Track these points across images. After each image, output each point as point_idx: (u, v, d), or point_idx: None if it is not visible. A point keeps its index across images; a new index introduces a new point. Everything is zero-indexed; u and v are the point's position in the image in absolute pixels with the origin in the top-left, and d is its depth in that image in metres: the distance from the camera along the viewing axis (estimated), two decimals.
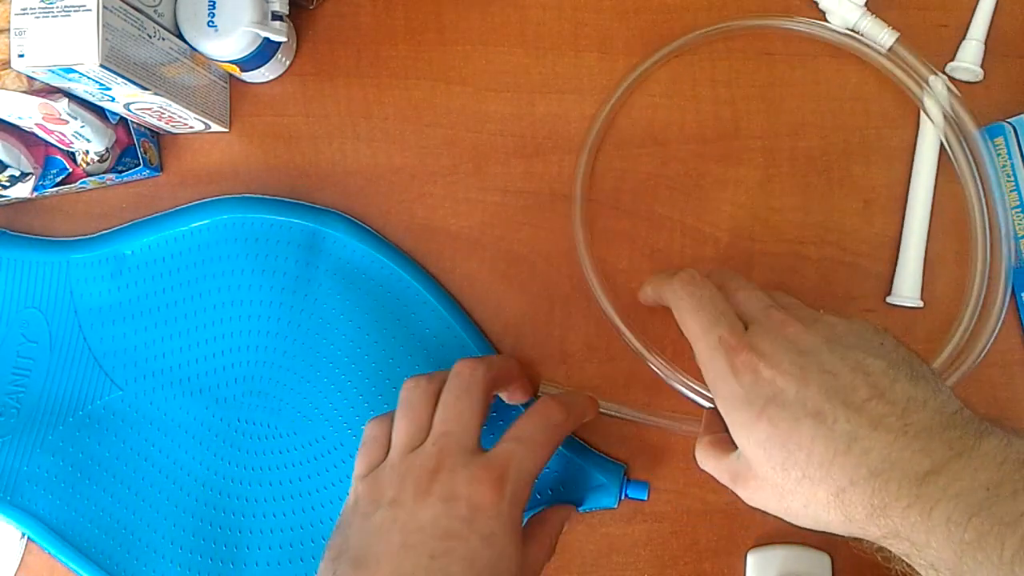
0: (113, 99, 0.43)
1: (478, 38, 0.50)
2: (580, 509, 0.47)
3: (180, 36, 0.44)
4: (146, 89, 0.42)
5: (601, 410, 0.46)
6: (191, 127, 0.49)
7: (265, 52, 0.47)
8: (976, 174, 0.47)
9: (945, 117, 0.47)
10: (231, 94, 0.51)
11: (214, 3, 0.44)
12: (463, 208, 0.50)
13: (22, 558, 0.49)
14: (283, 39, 0.46)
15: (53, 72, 0.39)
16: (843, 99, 0.50)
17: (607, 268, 0.49)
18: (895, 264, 0.49)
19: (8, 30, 0.38)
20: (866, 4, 0.48)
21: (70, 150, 0.47)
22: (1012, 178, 0.47)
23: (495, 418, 0.46)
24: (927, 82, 0.47)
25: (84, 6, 0.38)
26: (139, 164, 0.48)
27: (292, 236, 0.49)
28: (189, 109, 0.46)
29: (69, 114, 0.42)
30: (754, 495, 0.36)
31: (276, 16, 0.45)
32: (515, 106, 0.50)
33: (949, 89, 0.47)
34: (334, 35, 0.51)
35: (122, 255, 0.49)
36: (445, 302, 0.48)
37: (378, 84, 0.51)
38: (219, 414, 0.48)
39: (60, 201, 0.50)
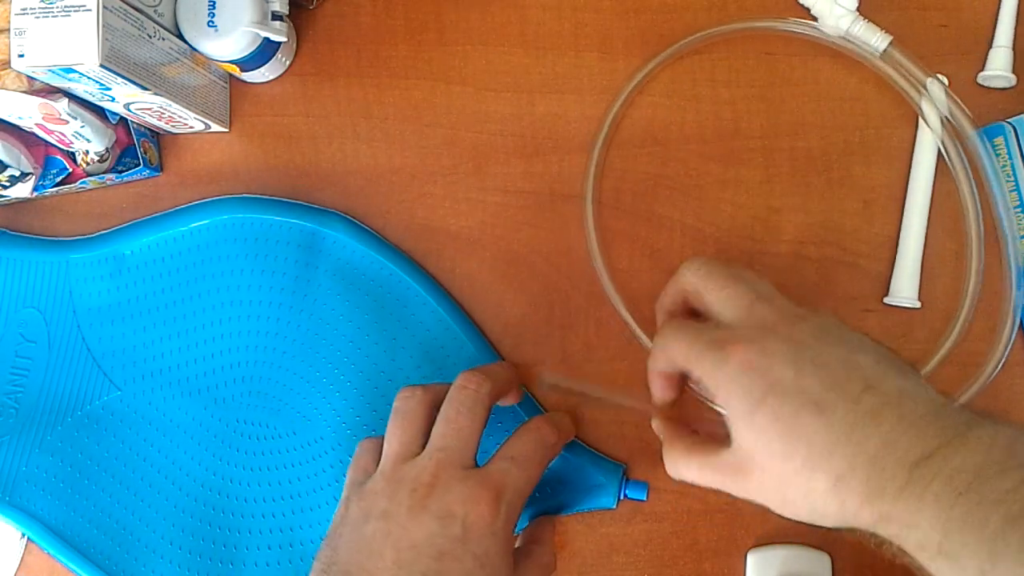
0: (113, 99, 0.43)
1: (478, 38, 0.50)
2: (578, 509, 0.47)
3: (180, 36, 0.44)
4: (146, 89, 0.42)
5: (549, 380, 0.47)
6: (191, 127, 0.49)
7: (265, 52, 0.47)
8: (971, 177, 0.47)
9: (942, 120, 0.47)
10: (231, 94, 0.51)
11: (214, 3, 0.44)
12: (463, 208, 0.50)
13: (22, 558, 0.49)
14: (283, 39, 0.46)
15: (53, 72, 0.39)
16: (843, 99, 0.50)
17: (607, 268, 0.49)
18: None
19: (8, 30, 0.38)
20: (859, 7, 0.48)
21: (70, 150, 0.47)
22: (1012, 178, 0.47)
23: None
24: (924, 86, 0.47)
25: (84, 6, 0.38)
26: (139, 164, 0.48)
27: (291, 236, 0.49)
28: (189, 109, 0.46)
29: (69, 114, 0.42)
30: (751, 487, 0.35)
31: (276, 16, 0.45)
32: (515, 106, 0.50)
33: (947, 92, 0.47)
34: (334, 35, 0.51)
35: (121, 255, 0.49)
36: (444, 303, 0.48)
37: (378, 84, 0.51)
38: (218, 414, 0.48)
39: (60, 201, 0.50)
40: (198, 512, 0.48)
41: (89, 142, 0.45)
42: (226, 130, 0.50)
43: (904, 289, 0.48)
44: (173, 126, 0.49)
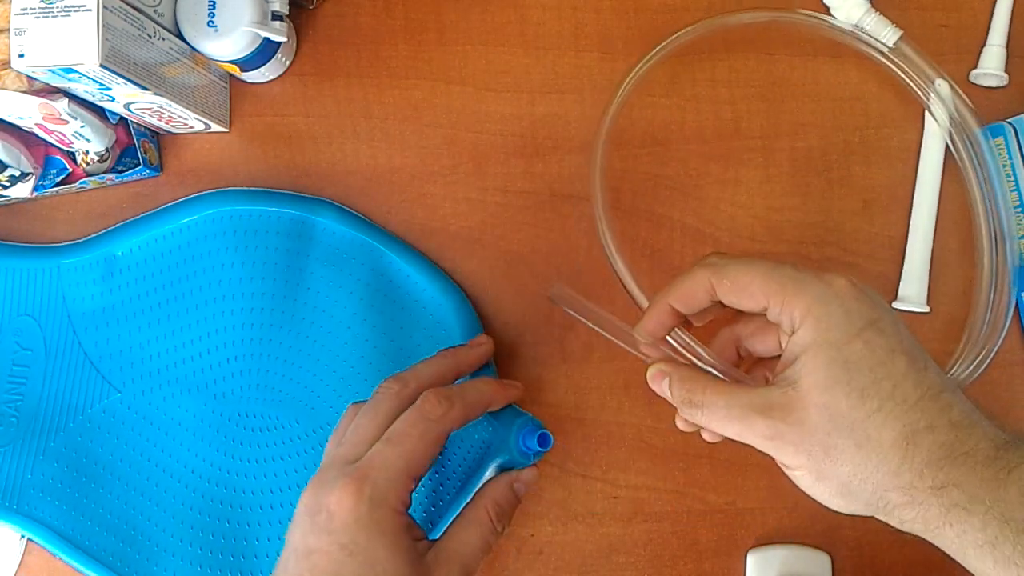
0: (113, 99, 0.43)
1: (478, 38, 0.50)
2: (490, 464, 0.44)
3: (180, 36, 0.44)
4: (146, 89, 0.42)
5: (555, 302, 0.43)
6: (191, 127, 0.49)
7: (265, 52, 0.47)
8: (982, 178, 0.47)
9: (951, 120, 0.47)
10: (231, 94, 0.51)
11: (214, 3, 0.44)
12: (463, 208, 0.50)
13: (22, 558, 0.49)
14: (283, 39, 0.46)
15: (53, 72, 0.39)
16: (843, 99, 0.50)
17: (607, 268, 0.49)
18: (896, 264, 0.49)
19: (8, 30, 0.38)
20: (871, 1, 0.47)
21: (70, 150, 0.47)
22: (1012, 178, 0.47)
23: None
24: (933, 84, 0.47)
25: (84, 6, 0.38)
26: (139, 164, 0.48)
27: (280, 226, 0.49)
28: (189, 109, 0.46)
29: (69, 114, 0.42)
30: (790, 431, 0.32)
31: (276, 16, 0.45)
32: (515, 106, 0.50)
33: (955, 91, 0.47)
34: (334, 35, 0.51)
35: (112, 257, 0.49)
36: (438, 280, 0.48)
37: (378, 84, 0.51)
38: (219, 409, 0.48)
39: (60, 201, 0.50)
40: (207, 508, 0.48)
41: (89, 142, 0.45)
42: (226, 130, 0.50)
43: (913, 295, 0.48)
44: (173, 126, 0.49)
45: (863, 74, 0.49)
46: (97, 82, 0.40)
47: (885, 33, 0.47)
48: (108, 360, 0.49)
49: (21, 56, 0.38)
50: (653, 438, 0.48)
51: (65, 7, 0.38)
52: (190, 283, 0.49)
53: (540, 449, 0.43)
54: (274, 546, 0.47)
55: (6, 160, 0.44)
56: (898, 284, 0.48)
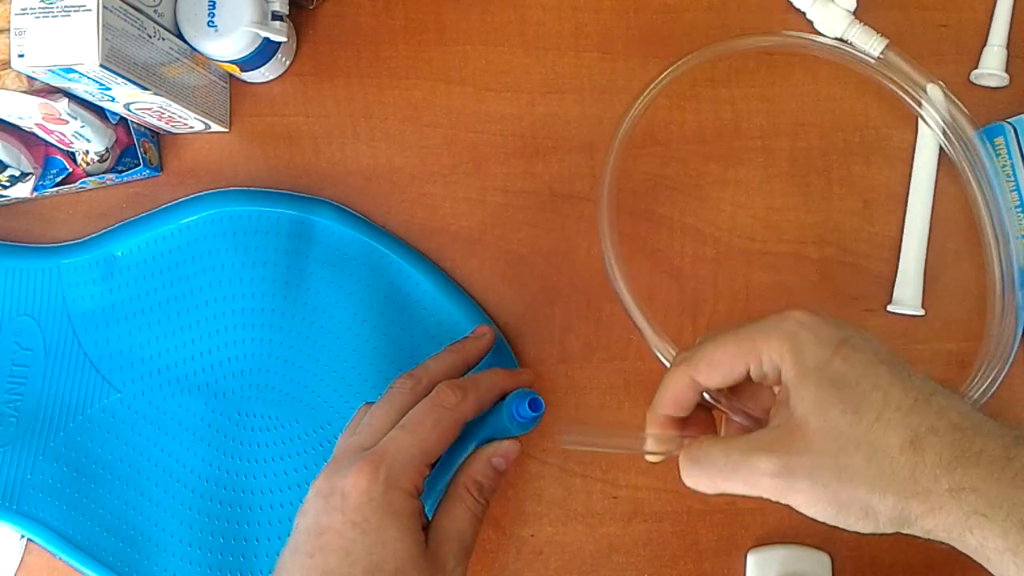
0: (113, 99, 0.43)
1: (478, 38, 0.50)
2: (483, 437, 0.43)
3: (180, 36, 0.44)
4: (146, 89, 0.42)
5: (567, 446, 0.44)
6: (191, 127, 0.49)
7: (265, 52, 0.47)
8: (981, 180, 0.47)
9: (944, 123, 0.47)
10: (231, 94, 0.51)
11: (214, 3, 0.44)
12: (463, 208, 0.50)
13: (22, 558, 0.49)
14: (283, 39, 0.46)
15: (53, 72, 0.39)
16: (843, 99, 0.50)
17: (623, 276, 0.48)
18: (896, 265, 0.48)
19: (8, 30, 0.38)
20: (856, 8, 0.47)
21: (70, 150, 0.47)
22: (1012, 178, 0.47)
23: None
24: (924, 90, 0.47)
25: (84, 6, 0.38)
26: (139, 164, 0.48)
27: (280, 227, 0.49)
28: (189, 109, 0.46)
29: (69, 114, 0.42)
30: (798, 461, 0.32)
31: (276, 16, 0.45)
32: (515, 106, 0.50)
33: (946, 95, 0.47)
34: (334, 35, 0.51)
35: (112, 257, 0.49)
36: (437, 279, 0.49)
37: (378, 84, 0.51)
38: (219, 409, 0.48)
39: (60, 201, 0.50)
40: (207, 508, 0.48)
41: (89, 142, 0.45)
42: (226, 130, 0.50)
43: (907, 297, 0.48)
44: (173, 126, 0.49)
45: (863, 74, 0.49)
46: (97, 82, 0.40)
47: (871, 43, 0.47)
48: (108, 360, 0.49)
49: (21, 56, 0.38)
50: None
51: (65, 7, 0.38)
52: (190, 283, 0.49)
53: (533, 414, 0.43)
54: (274, 546, 0.47)
55: (6, 160, 0.44)
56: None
